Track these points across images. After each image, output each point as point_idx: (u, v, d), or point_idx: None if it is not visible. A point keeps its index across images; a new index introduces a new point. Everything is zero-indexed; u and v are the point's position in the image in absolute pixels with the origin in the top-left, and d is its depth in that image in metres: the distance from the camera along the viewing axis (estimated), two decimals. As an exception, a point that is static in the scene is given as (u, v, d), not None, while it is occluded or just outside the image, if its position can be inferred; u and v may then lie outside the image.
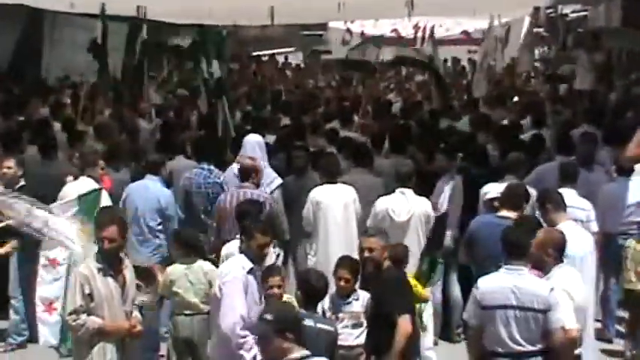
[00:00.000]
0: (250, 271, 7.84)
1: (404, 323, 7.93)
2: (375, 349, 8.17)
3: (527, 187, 10.52)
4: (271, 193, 11.00)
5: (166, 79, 23.35)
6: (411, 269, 9.27)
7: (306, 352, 5.81)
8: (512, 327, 7.59)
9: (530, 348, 7.61)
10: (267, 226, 8.40)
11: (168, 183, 11.36)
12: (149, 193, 10.81)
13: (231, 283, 7.76)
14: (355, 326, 8.55)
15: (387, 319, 7.94)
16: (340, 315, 8.56)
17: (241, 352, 7.57)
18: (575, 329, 7.68)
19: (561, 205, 9.31)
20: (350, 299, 8.59)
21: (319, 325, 7.66)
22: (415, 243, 10.21)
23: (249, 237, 7.99)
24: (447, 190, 10.95)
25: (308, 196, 10.97)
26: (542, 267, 8.04)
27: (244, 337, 7.58)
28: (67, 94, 19.89)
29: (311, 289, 8.01)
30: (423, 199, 10.78)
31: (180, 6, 16.61)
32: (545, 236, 8.28)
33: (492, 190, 10.49)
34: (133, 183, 11.13)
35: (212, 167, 11.43)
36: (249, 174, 10.46)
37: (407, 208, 10.51)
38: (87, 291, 7.79)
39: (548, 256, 8.06)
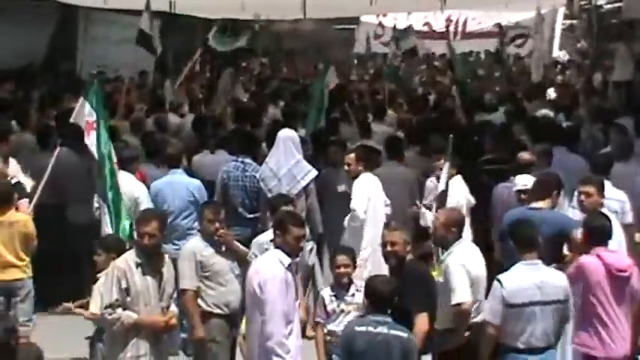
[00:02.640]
0: (288, 267, 7.70)
1: (421, 321, 7.85)
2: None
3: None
4: (307, 186, 10.96)
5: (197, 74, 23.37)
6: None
7: None
8: (536, 323, 7.58)
9: (551, 341, 7.65)
10: (302, 219, 8.32)
11: (190, 173, 11.37)
12: (179, 186, 10.82)
13: (272, 282, 7.55)
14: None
15: (405, 314, 7.74)
16: (345, 307, 8.54)
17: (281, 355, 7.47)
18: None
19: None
20: (353, 290, 8.54)
21: (392, 332, 7.22)
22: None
23: (284, 230, 7.80)
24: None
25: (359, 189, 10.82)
26: (445, 244, 8.32)
27: (284, 343, 7.49)
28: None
29: (379, 294, 7.45)
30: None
31: (212, 1, 16.63)
32: (448, 216, 8.55)
33: (519, 181, 10.44)
34: (158, 180, 11.09)
35: (248, 160, 11.42)
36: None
37: None
38: (123, 285, 7.79)
39: (450, 234, 8.25)
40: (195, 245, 8.91)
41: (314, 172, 11.08)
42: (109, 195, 9.74)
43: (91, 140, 9.84)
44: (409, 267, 8.26)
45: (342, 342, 7.56)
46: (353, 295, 8.56)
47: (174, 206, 10.67)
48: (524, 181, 10.29)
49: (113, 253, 8.43)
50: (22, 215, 10.24)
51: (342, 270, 8.67)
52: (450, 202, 10.20)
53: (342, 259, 8.74)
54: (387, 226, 8.72)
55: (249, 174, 11.22)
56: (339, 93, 19.38)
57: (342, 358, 7.57)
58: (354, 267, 8.78)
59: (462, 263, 8.00)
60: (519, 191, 10.29)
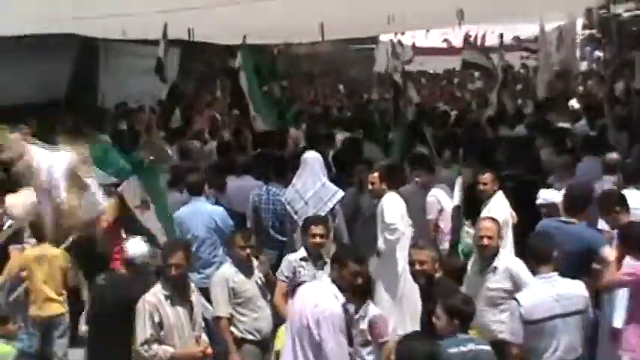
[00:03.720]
0: (344, 304, 7.35)
1: None
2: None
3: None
4: (333, 208, 10.92)
5: (218, 100, 23.45)
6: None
7: None
8: (560, 336, 7.47)
9: (578, 353, 7.57)
10: (361, 255, 7.92)
11: (216, 201, 11.36)
12: (202, 214, 10.78)
13: (331, 321, 7.17)
14: (362, 345, 8.09)
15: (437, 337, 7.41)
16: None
17: None
18: None
19: (625, 207, 9.14)
20: (357, 316, 8.07)
21: (479, 347, 7.03)
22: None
23: (341, 265, 7.45)
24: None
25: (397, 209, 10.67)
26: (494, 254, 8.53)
27: None
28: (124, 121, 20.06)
29: (465, 313, 7.17)
30: None
31: (230, 26, 16.67)
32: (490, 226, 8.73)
33: (542, 195, 10.44)
34: (180, 210, 11.02)
35: (276, 184, 11.45)
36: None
37: None
38: (156, 319, 7.75)
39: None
40: (227, 272, 8.90)
41: (340, 194, 11.01)
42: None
43: None
44: (439, 284, 8.10)
45: None
46: (357, 320, 8.04)
47: (197, 235, 10.64)
48: (547, 195, 10.26)
49: None
50: (58, 250, 10.20)
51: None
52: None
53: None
54: (414, 245, 8.65)
55: (279, 198, 11.22)
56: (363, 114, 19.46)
57: None
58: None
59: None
60: (541, 205, 10.29)
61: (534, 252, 7.93)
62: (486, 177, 10.72)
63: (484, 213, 10.31)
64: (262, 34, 21.47)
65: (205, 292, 10.35)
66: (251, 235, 9.18)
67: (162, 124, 18.97)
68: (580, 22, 31.24)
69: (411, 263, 8.27)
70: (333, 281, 7.45)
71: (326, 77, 35.50)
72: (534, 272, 7.91)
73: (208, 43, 16.65)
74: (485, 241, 8.55)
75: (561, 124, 16.35)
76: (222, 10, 15.00)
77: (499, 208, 10.42)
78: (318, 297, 7.34)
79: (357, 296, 7.95)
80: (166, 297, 7.83)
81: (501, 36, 22.49)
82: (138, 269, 8.55)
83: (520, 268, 8.38)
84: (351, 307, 7.70)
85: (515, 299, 7.65)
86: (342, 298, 7.29)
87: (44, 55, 21.01)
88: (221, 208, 10.99)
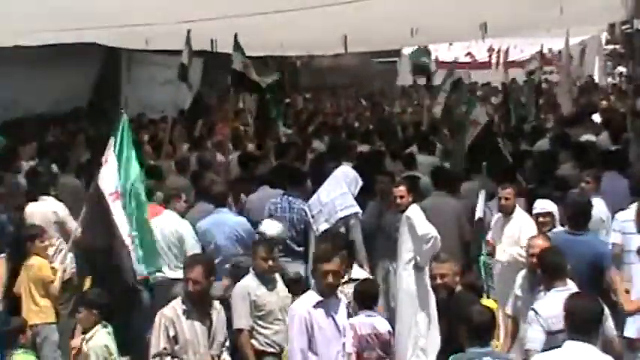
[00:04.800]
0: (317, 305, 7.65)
1: None
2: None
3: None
4: (340, 219, 10.87)
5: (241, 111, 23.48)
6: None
7: None
8: None
9: None
10: (331, 254, 7.89)
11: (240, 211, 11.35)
12: (225, 225, 10.78)
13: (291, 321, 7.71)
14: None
15: (457, 345, 7.39)
16: None
17: None
18: None
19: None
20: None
21: None
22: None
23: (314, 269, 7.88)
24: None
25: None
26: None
27: None
28: (145, 132, 20.11)
29: (479, 324, 7.10)
30: None
31: (253, 38, 16.66)
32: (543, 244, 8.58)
33: (538, 205, 10.39)
34: (204, 219, 11.03)
35: (294, 195, 11.40)
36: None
37: None
38: (171, 333, 7.68)
39: None
40: (249, 284, 8.83)
41: (355, 209, 10.98)
42: (134, 231, 9.44)
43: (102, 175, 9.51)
44: (458, 298, 8.10)
45: None
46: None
47: (221, 245, 10.63)
48: (543, 205, 10.28)
49: (95, 310, 8.28)
50: (38, 259, 10.19)
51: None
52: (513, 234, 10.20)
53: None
54: (436, 258, 8.60)
55: (297, 207, 11.19)
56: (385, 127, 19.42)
57: None
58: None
59: None
60: (537, 214, 10.28)
61: (549, 267, 7.98)
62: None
63: (509, 228, 10.30)
64: (286, 46, 21.52)
65: (228, 302, 10.45)
66: (274, 247, 9.11)
67: (185, 134, 19.06)
68: (604, 37, 31.17)
69: (433, 277, 8.26)
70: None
71: (348, 90, 35.48)
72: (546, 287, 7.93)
73: (230, 55, 16.62)
74: (535, 260, 8.42)
75: (586, 137, 16.26)
76: (245, 21, 15.00)
77: (529, 224, 10.42)
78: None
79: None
80: (184, 311, 7.76)
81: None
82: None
83: (540, 303, 8.10)
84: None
85: (533, 309, 7.64)
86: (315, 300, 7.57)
87: (68, 65, 21.10)
88: (244, 219, 10.98)
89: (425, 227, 10.24)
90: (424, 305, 10.11)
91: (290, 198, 11.31)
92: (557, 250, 8.28)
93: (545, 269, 8.02)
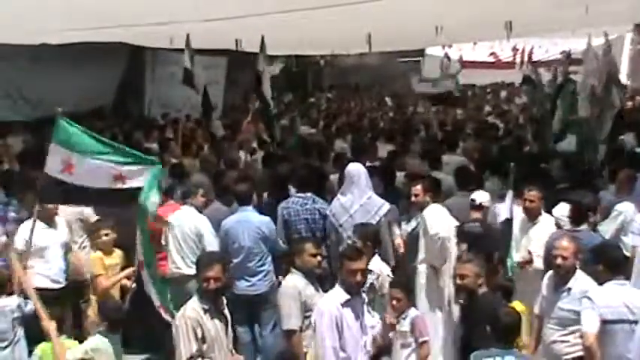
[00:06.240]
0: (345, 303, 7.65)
1: None
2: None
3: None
4: (380, 220, 10.82)
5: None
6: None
7: None
8: (627, 342, 7.41)
9: None
10: (360, 251, 8.02)
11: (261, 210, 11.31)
12: (249, 224, 10.69)
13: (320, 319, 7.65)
14: (403, 346, 8.27)
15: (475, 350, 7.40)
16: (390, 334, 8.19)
17: None
18: None
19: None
20: (399, 318, 8.20)
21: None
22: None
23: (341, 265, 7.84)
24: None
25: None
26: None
27: None
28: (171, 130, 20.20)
29: (505, 325, 7.17)
30: None
31: (277, 37, 16.68)
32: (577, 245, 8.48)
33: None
34: (228, 218, 10.97)
35: (309, 194, 11.19)
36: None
37: None
38: (199, 334, 7.60)
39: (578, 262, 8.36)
40: (297, 284, 8.63)
41: (387, 207, 10.88)
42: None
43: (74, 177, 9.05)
44: (481, 301, 7.99)
45: None
46: (398, 322, 8.24)
47: (244, 244, 10.62)
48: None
49: (105, 322, 8.35)
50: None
51: (395, 304, 8.35)
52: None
53: (394, 292, 8.40)
54: (458, 258, 8.57)
55: (310, 207, 11.04)
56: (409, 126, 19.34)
57: None
58: (409, 298, 8.51)
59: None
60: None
61: (609, 261, 7.98)
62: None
63: (535, 233, 10.24)
64: (309, 44, 21.53)
65: (249, 301, 10.33)
66: (321, 244, 9.12)
67: (206, 134, 19.12)
68: (629, 37, 31.02)
69: (454, 277, 8.23)
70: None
71: (372, 89, 35.52)
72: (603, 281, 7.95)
73: (256, 54, 16.64)
74: (559, 261, 8.32)
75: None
76: (270, 20, 14.99)
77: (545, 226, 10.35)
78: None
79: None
80: (205, 310, 7.71)
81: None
82: None
83: (596, 292, 8.10)
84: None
85: (588, 297, 7.70)
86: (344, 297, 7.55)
87: (93, 63, 21.22)
88: (268, 218, 10.94)
89: (436, 227, 10.22)
90: (434, 305, 10.12)
91: (302, 199, 11.10)
92: (616, 245, 8.38)
93: (605, 263, 7.97)
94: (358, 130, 20.44)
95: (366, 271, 7.83)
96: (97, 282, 10.18)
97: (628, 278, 7.98)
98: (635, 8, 17.04)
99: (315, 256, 8.69)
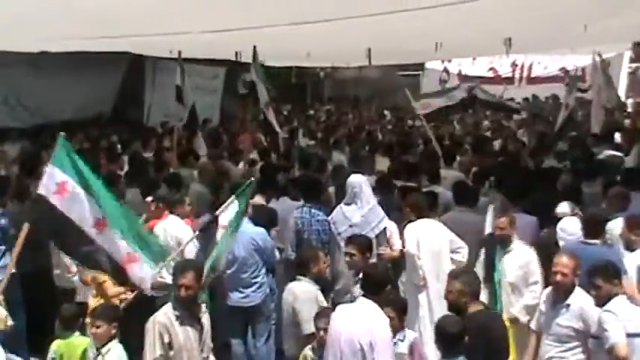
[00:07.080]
0: None
1: None
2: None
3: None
4: (378, 235, 10.85)
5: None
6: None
7: None
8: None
9: None
10: None
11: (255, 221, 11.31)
12: (243, 235, 10.55)
13: (387, 344, 7.57)
14: None
15: None
16: None
17: None
18: None
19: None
20: (395, 339, 8.03)
21: None
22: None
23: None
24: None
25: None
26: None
27: None
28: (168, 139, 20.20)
29: (447, 335, 7.18)
30: None
31: (277, 48, 16.73)
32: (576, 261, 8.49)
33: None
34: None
35: (315, 206, 11.32)
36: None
37: None
38: (166, 340, 7.66)
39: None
40: (313, 289, 8.96)
41: (386, 222, 10.96)
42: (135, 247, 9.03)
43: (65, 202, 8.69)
44: (469, 318, 7.69)
45: None
46: (395, 343, 8.03)
47: (238, 255, 10.61)
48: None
49: (114, 323, 8.26)
50: None
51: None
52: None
53: (386, 311, 8.01)
54: (449, 273, 8.51)
55: (320, 218, 11.15)
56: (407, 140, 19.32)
57: None
58: (402, 318, 8.37)
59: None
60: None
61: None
62: (503, 221, 10.07)
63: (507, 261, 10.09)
64: (310, 57, 21.55)
65: (243, 312, 10.38)
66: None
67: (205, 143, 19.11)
68: (627, 55, 31.06)
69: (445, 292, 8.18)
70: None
71: (371, 102, 35.54)
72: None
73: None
74: (559, 277, 8.33)
75: (608, 152, 16.24)
76: (270, 32, 15.03)
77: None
78: (370, 320, 7.52)
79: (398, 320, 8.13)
80: (177, 317, 7.75)
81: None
82: None
83: (594, 310, 8.11)
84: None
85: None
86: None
87: (92, 71, 21.24)
88: (263, 229, 10.95)
89: (407, 244, 10.49)
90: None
91: (311, 210, 11.27)
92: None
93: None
94: (356, 142, 20.42)
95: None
96: (105, 286, 10.13)
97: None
98: (633, 27, 17.08)
99: (327, 264, 9.27)
